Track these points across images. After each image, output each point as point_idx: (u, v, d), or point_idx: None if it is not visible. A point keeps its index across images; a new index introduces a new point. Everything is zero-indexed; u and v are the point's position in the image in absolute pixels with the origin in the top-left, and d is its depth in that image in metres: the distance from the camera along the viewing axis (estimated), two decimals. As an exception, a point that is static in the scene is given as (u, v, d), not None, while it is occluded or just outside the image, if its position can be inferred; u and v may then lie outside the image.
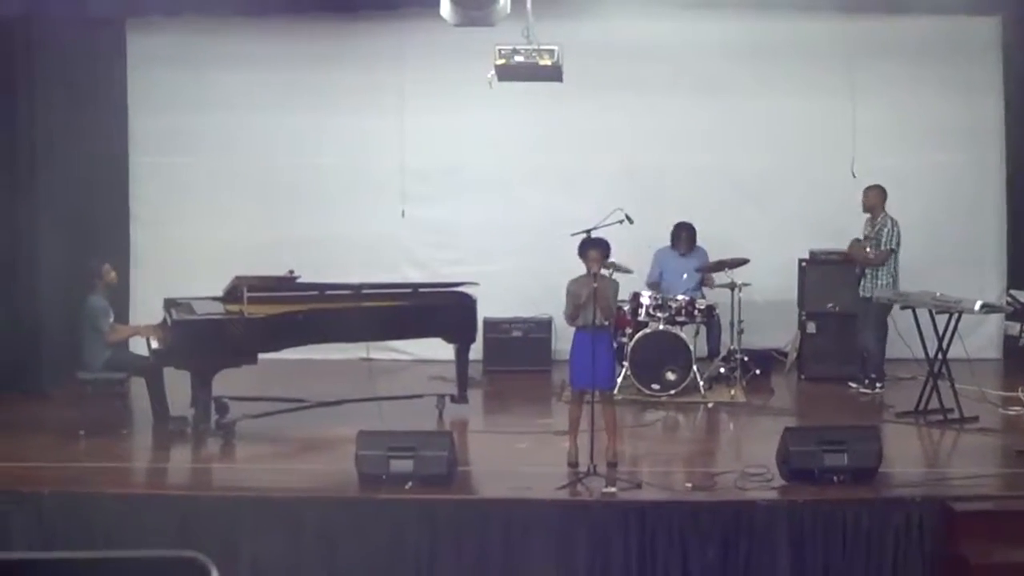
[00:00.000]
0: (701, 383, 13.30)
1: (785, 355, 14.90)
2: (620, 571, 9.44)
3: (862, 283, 13.64)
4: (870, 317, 13.54)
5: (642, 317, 13.49)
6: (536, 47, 10.67)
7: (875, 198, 13.67)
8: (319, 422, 11.92)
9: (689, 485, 10.01)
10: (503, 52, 10.70)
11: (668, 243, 14.50)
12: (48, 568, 3.44)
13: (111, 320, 12.05)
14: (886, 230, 13.47)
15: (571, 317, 10.50)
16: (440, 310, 12.83)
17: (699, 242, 14.46)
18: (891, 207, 13.65)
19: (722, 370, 13.76)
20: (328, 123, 15.30)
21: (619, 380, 12.70)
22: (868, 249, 13.52)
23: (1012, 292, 14.51)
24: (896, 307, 13.08)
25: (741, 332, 13.60)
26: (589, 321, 10.27)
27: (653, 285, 14.21)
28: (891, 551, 9.44)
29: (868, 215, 13.71)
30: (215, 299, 12.09)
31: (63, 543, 9.45)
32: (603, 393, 10.54)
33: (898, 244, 13.44)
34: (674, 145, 15.22)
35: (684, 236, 14.39)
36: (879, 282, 13.43)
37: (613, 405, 10.80)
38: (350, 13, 14.66)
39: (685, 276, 14.24)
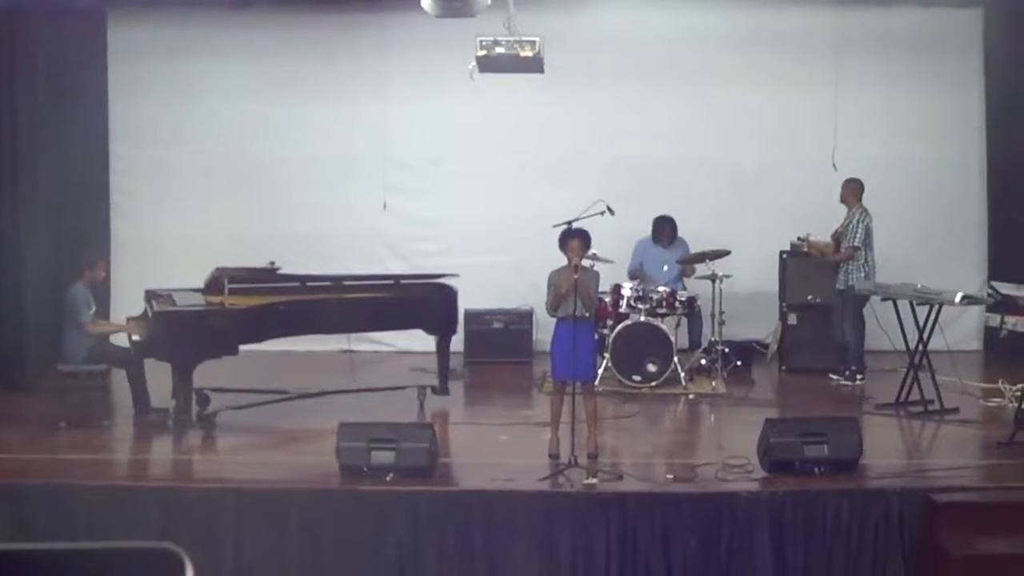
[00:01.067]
0: (682, 375, 13.30)
1: (766, 347, 14.92)
2: (602, 562, 9.45)
3: (838, 275, 13.67)
4: (847, 309, 13.59)
5: (623, 309, 13.49)
6: (517, 38, 10.66)
7: (847, 191, 13.74)
8: (300, 414, 11.91)
9: (670, 476, 10.04)
10: (484, 43, 10.68)
11: (649, 235, 14.50)
12: (20, 559, 3.43)
13: (92, 311, 12.01)
14: (851, 225, 13.51)
15: (552, 307, 10.48)
16: (421, 302, 12.82)
17: (680, 234, 14.47)
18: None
19: (703, 362, 13.79)
20: (310, 114, 15.29)
21: (600, 371, 12.76)
22: (839, 242, 13.57)
23: (993, 283, 14.52)
24: (877, 298, 13.11)
25: (722, 324, 13.60)
26: (570, 312, 10.25)
27: (634, 274, 14.20)
28: (872, 542, 9.46)
29: (844, 207, 13.76)
30: (196, 290, 12.03)
31: (44, 535, 9.42)
32: (584, 384, 10.55)
33: (864, 239, 13.46)
34: (656, 137, 15.23)
35: (665, 229, 14.40)
36: (852, 275, 13.47)
37: (594, 396, 10.79)
38: (332, 4, 14.63)
39: (665, 267, 14.27)
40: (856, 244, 13.44)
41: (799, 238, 13.88)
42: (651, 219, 14.44)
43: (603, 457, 10.50)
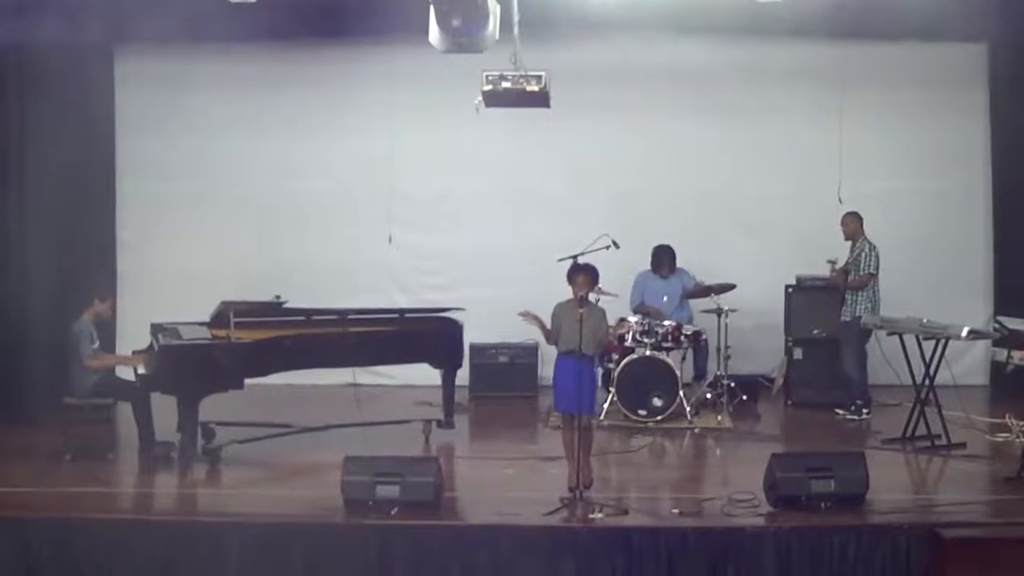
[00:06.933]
0: (688, 409, 13.28)
1: (772, 381, 14.90)
2: (607, 598, 9.42)
3: (843, 308, 13.64)
4: (850, 342, 13.57)
5: (629, 342, 13.49)
6: (523, 73, 10.64)
7: (852, 224, 13.74)
8: (305, 447, 11.89)
9: (676, 511, 9.98)
10: (490, 78, 10.67)
11: (648, 267, 14.47)
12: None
13: (95, 345, 11.99)
14: (863, 254, 13.49)
15: (552, 338, 10.44)
16: (427, 335, 12.83)
17: (684, 266, 14.43)
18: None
19: (708, 396, 13.76)
20: (316, 148, 15.35)
21: (605, 406, 12.76)
22: (847, 273, 13.53)
23: (999, 318, 14.53)
24: (883, 333, 13.07)
25: (728, 358, 13.61)
26: (575, 347, 10.21)
27: (638, 309, 14.17)
28: (878, 578, 9.43)
29: (849, 241, 13.74)
30: (202, 324, 12.04)
31: (49, 568, 9.43)
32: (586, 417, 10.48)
33: (877, 268, 13.45)
34: (661, 170, 15.30)
35: (664, 259, 14.35)
36: (859, 306, 13.46)
37: (591, 429, 10.71)
38: (339, 39, 14.67)
39: (665, 299, 14.24)
40: (872, 271, 13.42)
41: (828, 260, 13.69)
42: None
43: (609, 492, 10.46)
